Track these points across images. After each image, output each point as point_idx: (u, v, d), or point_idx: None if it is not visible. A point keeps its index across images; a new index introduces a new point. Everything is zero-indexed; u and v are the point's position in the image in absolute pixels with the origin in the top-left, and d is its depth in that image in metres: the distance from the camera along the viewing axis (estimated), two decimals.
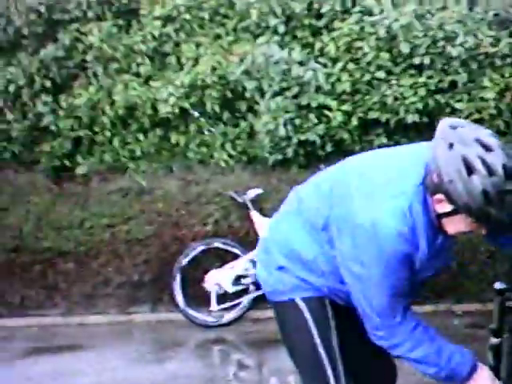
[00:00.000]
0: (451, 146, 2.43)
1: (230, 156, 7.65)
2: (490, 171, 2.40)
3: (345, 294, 2.81)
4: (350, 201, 2.63)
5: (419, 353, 2.68)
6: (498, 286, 3.70)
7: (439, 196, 2.49)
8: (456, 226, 2.55)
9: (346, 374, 2.86)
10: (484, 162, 2.40)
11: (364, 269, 2.61)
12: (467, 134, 2.45)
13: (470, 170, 2.41)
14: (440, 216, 2.55)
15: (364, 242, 2.58)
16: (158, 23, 7.91)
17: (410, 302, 2.73)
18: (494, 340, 3.75)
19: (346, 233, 2.65)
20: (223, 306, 6.77)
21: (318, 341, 2.82)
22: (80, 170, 7.73)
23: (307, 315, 2.83)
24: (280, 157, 7.46)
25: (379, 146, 7.37)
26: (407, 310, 2.70)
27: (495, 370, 3.59)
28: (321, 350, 2.82)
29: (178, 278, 6.85)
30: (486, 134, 2.48)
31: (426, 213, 2.55)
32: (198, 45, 7.89)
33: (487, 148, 2.42)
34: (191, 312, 6.83)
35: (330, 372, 2.82)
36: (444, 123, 2.52)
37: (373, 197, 2.59)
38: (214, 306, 6.81)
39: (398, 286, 2.63)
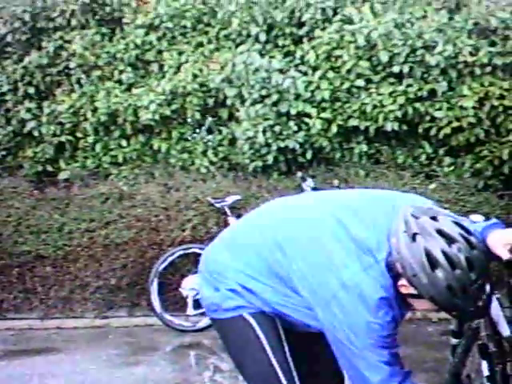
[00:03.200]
0: (414, 237, 2.41)
1: (212, 163, 7.72)
2: (454, 265, 2.38)
3: (293, 323, 2.76)
4: (322, 268, 2.57)
5: None
6: None
7: (404, 281, 2.47)
8: (422, 305, 2.54)
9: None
10: (447, 256, 2.38)
11: (350, 339, 2.55)
12: (430, 225, 2.43)
13: (434, 264, 2.38)
14: (406, 295, 2.53)
15: (348, 311, 2.52)
16: (141, 31, 8.04)
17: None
18: (454, 341, 3.81)
19: (320, 304, 2.58)
20: (200, 310, 6.76)
21: (270, 353, 2.74)
22: (62, 176, 7.83)
23: (256, 328, 2.74)
24: (260, 164, 7.52)
25: (359, 154, 7.45)
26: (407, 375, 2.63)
27: (454, 368, 3.66)
28: (274, 363, 2.74)
29: (156, 282, 6.88)
30: (449, 223, 2.45)
31: (394, 286, 2.52)
32: (180, 53, 7.99)
33: (450, 239, 2.40)
34: (168, 316, 6.86)
35: None
36: (406, 211, 2.48)
37: (349, 266, 2.53)
38: (190, 310, 6.84)
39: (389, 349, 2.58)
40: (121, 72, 8.03)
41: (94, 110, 7.90)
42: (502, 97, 7.15)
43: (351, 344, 2.54)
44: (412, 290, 2.46)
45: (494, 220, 2.80)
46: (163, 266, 6.90)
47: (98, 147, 7.93)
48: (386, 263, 2.50)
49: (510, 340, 3.09)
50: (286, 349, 2.77)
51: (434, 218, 2.45)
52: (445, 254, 2.39)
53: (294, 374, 2.76)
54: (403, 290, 2.50)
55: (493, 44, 7.38)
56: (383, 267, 2.50)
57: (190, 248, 6.92)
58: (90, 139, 7.95)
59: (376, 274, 2.50)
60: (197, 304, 6.77)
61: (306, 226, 2.69)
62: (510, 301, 2.80)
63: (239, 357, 2.82)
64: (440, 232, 2.41)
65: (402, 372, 2.58)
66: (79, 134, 8.00)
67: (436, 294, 2.41)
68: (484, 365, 3.23)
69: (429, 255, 2.39)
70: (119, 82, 8.03)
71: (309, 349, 2.96)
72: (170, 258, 6.92)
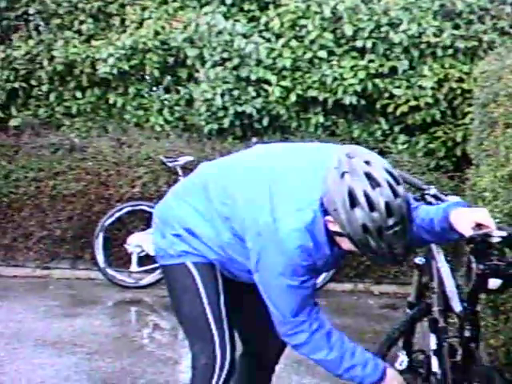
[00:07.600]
0: (343, 175, 2.51)
1: (167, 121, 7.65)
2: (372, 207, 2.48)
3: (236, 272, 2.91)
4: (256, 207, 2.70)
5: (319, 356, 2.77)
6: (417, 261, 3.75)
7: (330, 217, 2.57)
8: (346, 244, 2.63)
9: (230, 334, 2.96)
10: (368, 197, 2.48)
11: (267, 273, 2.69)
12: (360, 167, 2.51)
13: (354, 202, 2.48)
14: (333, 233, 2.63)
15: (269, 250, 2.65)
16: None
17: (315, 302, 2.78)
18: (409, 312, 3.81)
19: (250, 238, 2.72)
20: (143, 268, 6.73)
21: (205, 302, 2.90)
22: (13, 123, 7.68)
23: (197, 277, 2.90)
24: (216, 126, 7.46)
25: (316, 125, 7.43)
26: (312, 311, 2.75)
27: (390, 336, 3.69)
28: (208, 311, 2.90)
29: (101, 236, 6.79)
30: (379, 168, 2.53)
31: (326, 225, 2.63)
32: (143, 8, 7.86)
33: (375, 183, 2.49)
34: (110, 272, 6.79)
35: (215, 332, 2.91)
36: (343, 150, 2.59)
37: (279, 207, 2.65)
38: (134, 267, 6.78)
39: (302, 290, 2.69)
40: (81, 22, 7.88)
41: (51, 59, 7.74)
42: (460, 80, 7.16)
43: (265, 278, 2.71)
44: (337, 228, 2.56)
45: (458, 198, 2.92)
46: (110, 220, 6.82)
47: (51, 97, 7.79)
48: (320, 201, 2.60)
49: (460, 316, 3.12)
50: (222, 300, 2.93)
51: (367, 162, 2.53)
52: (366, 194, 2.48)
53: (225, 323, 2.93)
54: (330, 227, 2.60)
55: (456, 27, 7.38)
56: (318, 205, 2.61)
57: (139, 205, 6.85)
58: (44, 88, 7.80)
59: (307, 216, 2.60)
60: (141, 261, 6.75)
61: (245, 171, 2.83)
62: (468, 277, 2.83)
63: (177, 301, 3.00)
64: (368, 175, 2.51)
65: (314, 317, 2.74)
66: (33, 82, 7.83)
67: (352, 231, 2.51)
68: (432, 338, 3.27)
69: (351, 193, 2.49)
70: (79, 32, 7.88)
71: (248, 303, 3.08)
72: (118, 214, 6.84)
